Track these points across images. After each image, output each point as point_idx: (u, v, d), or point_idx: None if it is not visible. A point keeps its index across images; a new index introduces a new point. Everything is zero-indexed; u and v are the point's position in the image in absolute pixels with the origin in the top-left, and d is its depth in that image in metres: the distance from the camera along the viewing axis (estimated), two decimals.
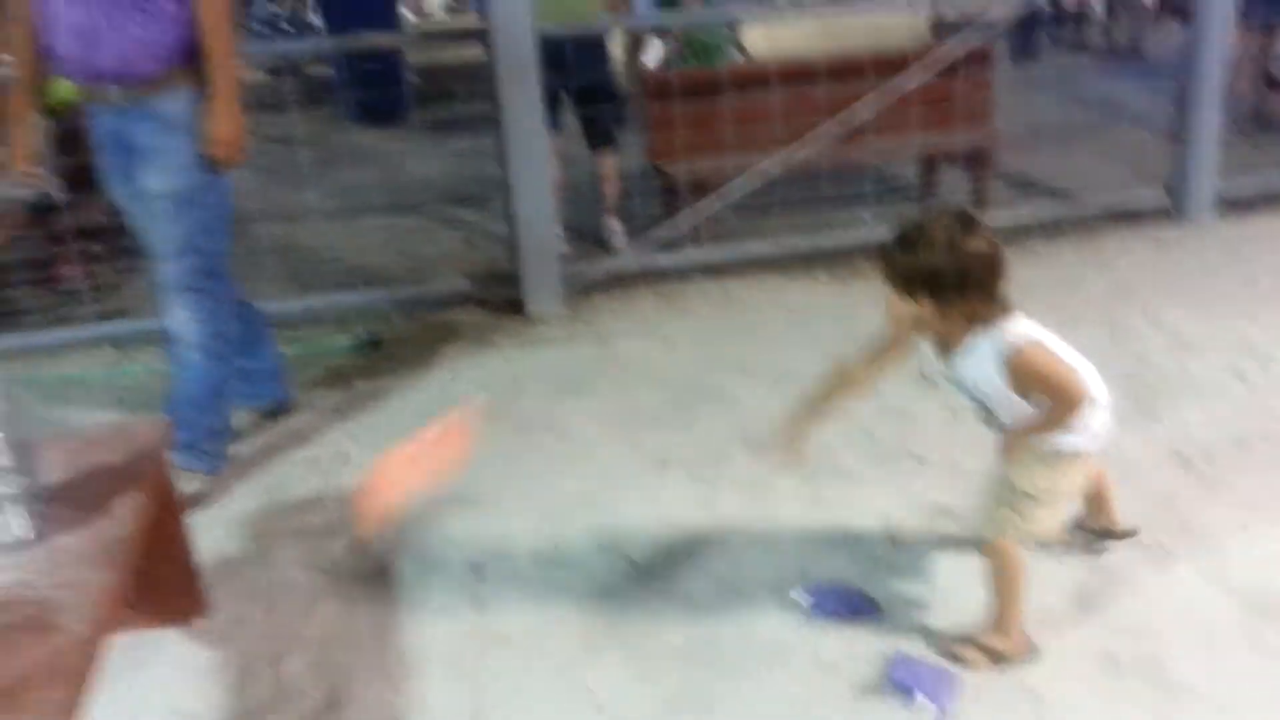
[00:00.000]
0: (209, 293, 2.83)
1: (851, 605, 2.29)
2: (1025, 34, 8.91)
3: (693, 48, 5.69)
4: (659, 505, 2.78)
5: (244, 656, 2.26)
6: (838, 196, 4.76)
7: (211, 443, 2.91)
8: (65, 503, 1.91)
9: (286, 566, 2.57)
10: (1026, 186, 5.27)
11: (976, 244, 1.88)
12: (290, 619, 2.37)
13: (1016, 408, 2.00)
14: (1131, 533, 2.43)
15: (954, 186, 5.28)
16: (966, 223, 1.90)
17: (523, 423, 3.29)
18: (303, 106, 7.79)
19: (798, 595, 2.33)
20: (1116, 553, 2.43)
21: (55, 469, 2.00)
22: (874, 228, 4.89)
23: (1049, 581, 2.34)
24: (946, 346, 2.02)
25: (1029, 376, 1.94)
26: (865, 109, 4.57)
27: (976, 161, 5.05)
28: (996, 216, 4.85)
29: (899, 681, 2.03)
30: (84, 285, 4.52)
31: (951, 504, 2.68)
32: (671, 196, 5.08)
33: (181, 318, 2.82)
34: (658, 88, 4.90)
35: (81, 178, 4.76)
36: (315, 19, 11.20)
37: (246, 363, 3.12)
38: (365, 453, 3.14)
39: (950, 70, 4.71)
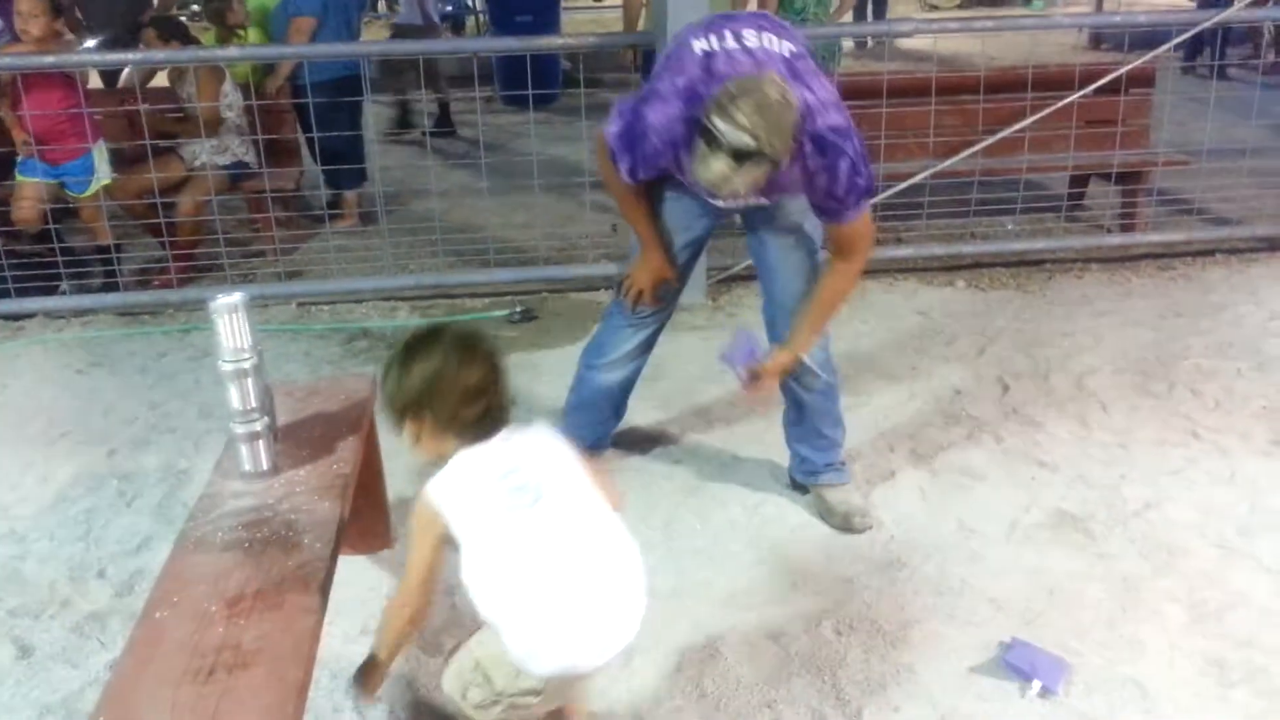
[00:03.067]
0: None
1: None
2: (1196, 48, 8.62)
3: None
4: (792, 489, 2.98)
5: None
6: (983, 204, 4.84)
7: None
8: (295, 442, 2.24)
9: None
10: (1181, 207, 5.23)
11: (420, 366, 1.71)
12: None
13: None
14: None
15: (1104, 202, 5.28)
16: (410, 347, 1.75)
17: (665, 402, 3.54)
18: (459, 85, 8.23)
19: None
20: (1240, 570, 2.54)
21: (285, 412, 2.34)
22: (1017, 237, 4.97)
23: (1165, 591, 2.48)
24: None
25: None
26: (1020, 125, 4.63)
27: (1129, 180, 5.04)
28: (1146, 237, 4.88)
29: (1014, 665, 2.21)
30: (269, 245, 4.98)
31: (1075, 512, 2.82)
32: None
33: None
34: None
35: (275, 149, 5.25)
36: (477, 1, 11.61)
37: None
38: (520, 417, 3.44)
39: (1110, 88, 4.72)
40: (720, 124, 2.09)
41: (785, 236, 2.64)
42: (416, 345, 1.75)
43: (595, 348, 2.96)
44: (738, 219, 2.77)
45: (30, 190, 4.47)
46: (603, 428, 3.07)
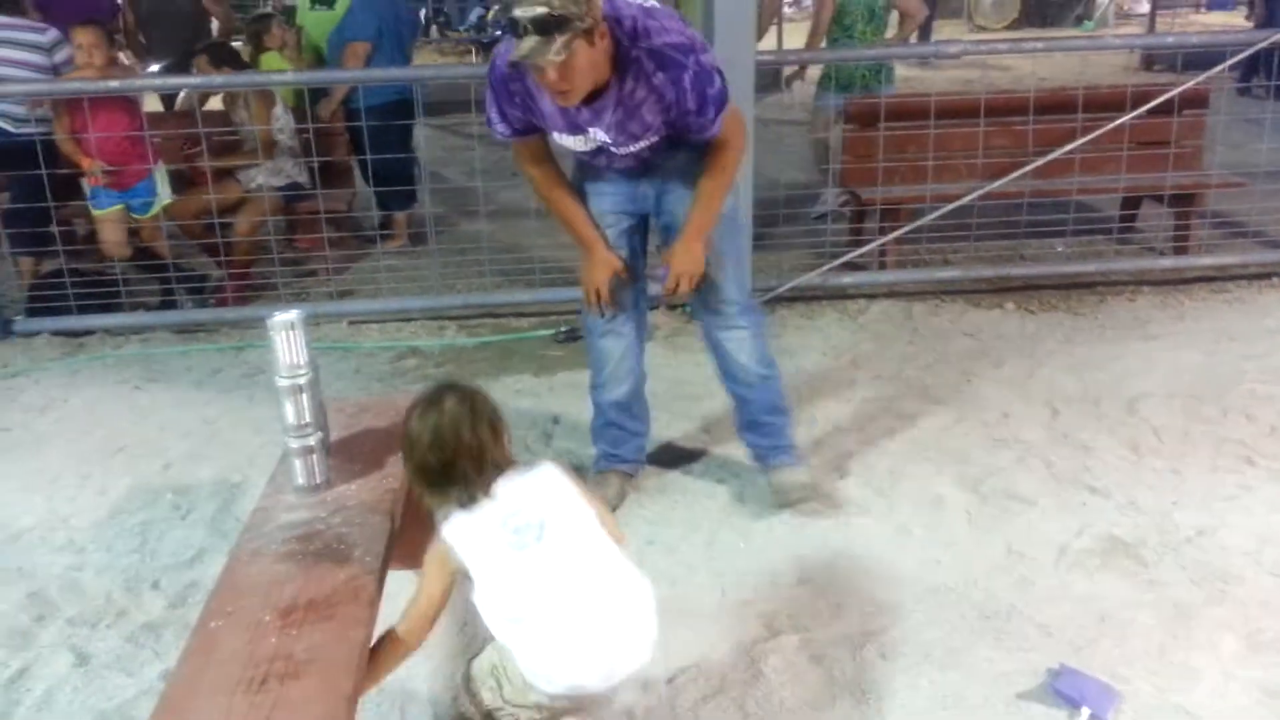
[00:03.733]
0: (755, 307, 3.00)
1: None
2: (1252, 68, 8.49)
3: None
4: (840, 511, 2.97)
5: (466, 604, 2.58)
6: (1032, 226, 4.80)
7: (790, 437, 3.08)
8: (346, 457, 2.29)
9: None
10: (1235, 230, 5.14)
11: (412, 424, 1.81)
12: None
13: None
14: None
15: (1156, 225, 5.21)
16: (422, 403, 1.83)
17: (707, 421, 3.55)
18: None
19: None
20: None
21: (336, 428, 2.39)
22: (1067, 260, 4.92)
23: (1218, 620, 2.43)
24: None
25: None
26: (1070, 146, 4.60)
27: (1182, 202, 4.97)
28: (1199, 260, 4.81)
29: (1063, 692, 2.18)
30: (321, 265, 5.08)
31: (1126, 538, 2.77)
32: (861, 218, 5.24)
33: (743, 337, 2.91)
34: (859, 111, 5.05)
35: (328, 171, 5.36)
36: None
37: None
38: (565, 434, 3.48)
39: (1163, 110, 4.67)
40: (516, 10, 2.26)
41: (683, 201, 2.74)
42: (411, 408, 1.85)
43: (591, 371, 3.06)
44: (650, 197, 2.81)
45: (111, 221, 4.64)
46: (632, 443, 3.12)
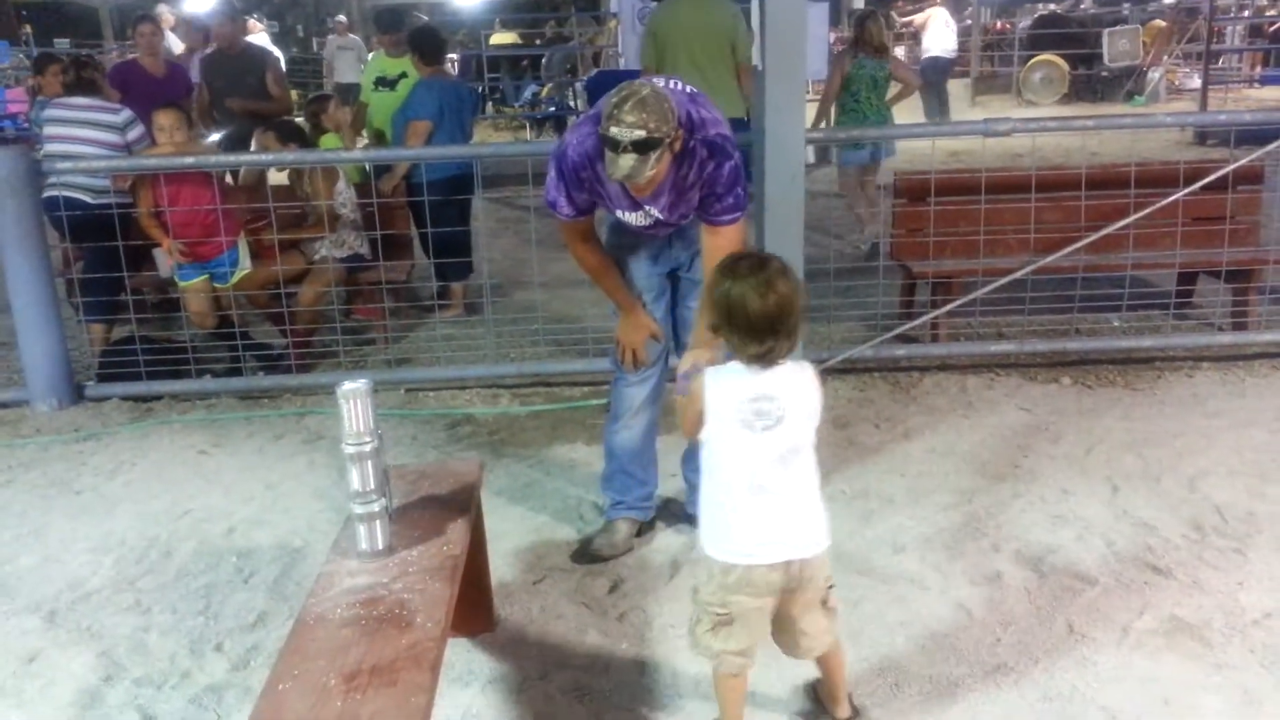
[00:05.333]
0: None
1: None
2: None
3: None
4: (893, 586, 2.95)
5: (520, 671, 2.61)
6: (1087, 300, 4.78)
7: None
8: (406, 523, 2.33)
9: (556, 598, 2.93)
10: None
11: (753, 279, 2.04)
12: (558, 644, 2.71)
13: None
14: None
15: (1214, 300, 5.16)
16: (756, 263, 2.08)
17: None
18: None
19: None
20: None
21: (396, 494, 2.44)
22: (1123, 334, 4.88)
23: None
24: None
25: None
26: (1124, 222, 4.60)
27: (1240, 278, 4.93)
28: (1259, 336, 4.75)
29: None
30: (380, 333, 5.20)
31: (1190, 619, 2.71)
32: (911, 292, 5.26)
33: None
34: (909, 187, 5.11)
35: (389, 243, 5.52)
36: (579, 102, 12.11)
37: None
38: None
39: (1218, 185, 4.66)
40: (614, 130, 2.49)
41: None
42: (733, 267, 2.09)
43: (611, 417, 3.26)
44: (682, 258, 3.08)
45: (196, 292, 4.88)
46: (639, 491, 3.26)
